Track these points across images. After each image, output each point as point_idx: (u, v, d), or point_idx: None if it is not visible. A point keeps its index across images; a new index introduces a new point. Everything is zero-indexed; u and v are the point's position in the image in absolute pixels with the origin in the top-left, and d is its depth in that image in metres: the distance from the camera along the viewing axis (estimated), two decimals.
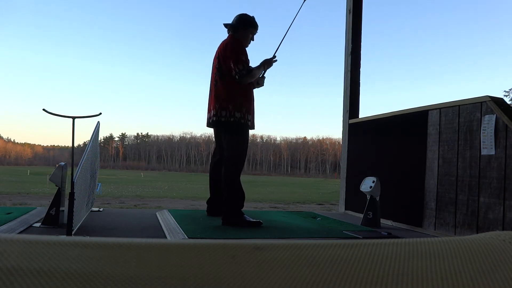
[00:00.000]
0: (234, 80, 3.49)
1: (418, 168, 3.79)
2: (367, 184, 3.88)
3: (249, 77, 3.52)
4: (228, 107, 3.48)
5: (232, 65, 3.47)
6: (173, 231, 3.05)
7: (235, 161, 3.56)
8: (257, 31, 3.76)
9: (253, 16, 3.72)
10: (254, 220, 3.44)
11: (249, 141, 3.79)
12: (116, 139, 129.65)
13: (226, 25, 3.71)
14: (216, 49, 3.74)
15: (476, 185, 3.20)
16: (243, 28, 3.65)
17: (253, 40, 3.74)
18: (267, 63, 3.69)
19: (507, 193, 2.94)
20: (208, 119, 3.67)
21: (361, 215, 3.97)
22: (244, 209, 3.57)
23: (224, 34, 3.78)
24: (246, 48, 3.66)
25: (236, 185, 3.51)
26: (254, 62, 3.65)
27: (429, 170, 3.68)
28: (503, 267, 0.38)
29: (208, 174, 3.96)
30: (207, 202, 3.97)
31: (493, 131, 3.07)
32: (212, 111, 3.57)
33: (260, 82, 3.74)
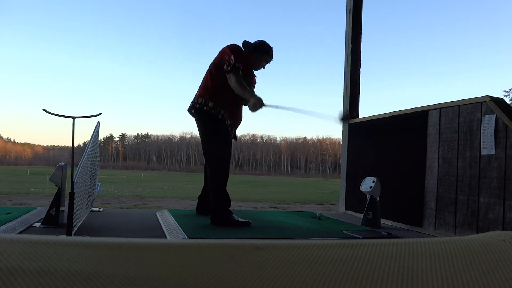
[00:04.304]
0: (222, 78, 3.47)
1: (418, 168, 3.79)
2: (367, 184, 3.88)
3: (238, 78, 3.40)
4: (205, 96, 3.50)
5: (226, 59, 3.47)
6: (173, 231, 3.05)
7: (213, 157, 3.50)
8: (270, 62, 3.82)
9: (272, 48, 3.80)
10: (243, 220, 3.43)
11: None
12: (116, 139, 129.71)
13: (246, 42, 3.74)
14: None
15: (476, 185, 3.20)
16: (260, 53, 3.71)
17: (263, 67, 3.79)
18: (258, 102, 3.37)
19: (507, 193, 2.94)
20: (190, 106, 3.67)
21: (361, 215, 3.97)
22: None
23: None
24: (255, 72, 3.77)
25: (221, 184, 3.46)
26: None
27: (429, 170, 3.68)
28: (503, 267, 0.38)
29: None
30: (197, 198, 4.02)
31: (493, 131, 3.07)
32: (193, 99, 3.61)
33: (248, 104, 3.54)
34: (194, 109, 3.55)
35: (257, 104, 3.37)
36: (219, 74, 3.51)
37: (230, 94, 3.47)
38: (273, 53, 3.83)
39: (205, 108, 3.47)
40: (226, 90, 3.48)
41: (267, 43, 3.80)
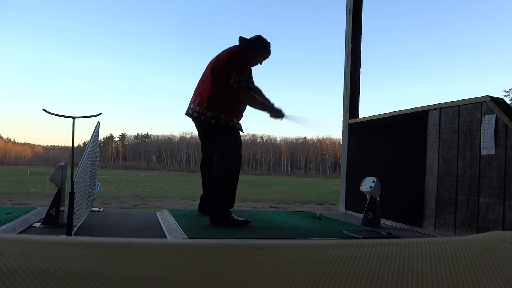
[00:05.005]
0: (231, 88, 3.41)
1: (418, 168, 3.79)
2: (367, 184, 3.88)
3: (249, 96, 3.48)
4: (217, 110, 3.42)
5: (234, 73, 3.40)
6: (173, 231, 3.05)
7: (228, 164, 3.51)
8: (268, 58, 3.76)
9: (269, 42, 3.73)
10: (242, 219, 3.44)
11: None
12: (116, 139, 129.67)
13: (242, 38, 3.68)
14: (221, 51, 3.70)
15: (476, 185, 3.20)
16: (257, 48, 3.64)
17: (260, 63, 3.72)
18: (276, 112, 3.66)
19: (507, 193, 2.94)
20: (192, 112, 3.57)
21: (361, 215, 3.97)
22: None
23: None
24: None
25: (230, 187, 3.48)
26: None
27: (429, 170, 3.68)
28: (503, 267, 0.38)
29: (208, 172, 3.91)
30: (200, 198, 4.01)
31: (493, 131, 3.07)
32: (197, 108, 3.51)
33: (272, 115, 3.68)
34: (208, 124, 3.45)
35: (277, 116, 3.66)
36: (226, 86, 3.42)
37: (238, 102, 3.49)
38: (271, 49, 3.75)
39: (222, 122, 3.43)
40: (234, 100, 3.46)
41: (263, 38, 3.71)
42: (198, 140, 3.91)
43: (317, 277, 0.35)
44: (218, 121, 3.43)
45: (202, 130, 3.67)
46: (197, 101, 3.56)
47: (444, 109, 3.55)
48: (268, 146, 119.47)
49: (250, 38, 3.71)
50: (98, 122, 3.42)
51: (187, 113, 3.69)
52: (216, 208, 3.41)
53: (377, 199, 3.81)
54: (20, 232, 2.81)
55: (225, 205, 3.44)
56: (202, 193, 4.00)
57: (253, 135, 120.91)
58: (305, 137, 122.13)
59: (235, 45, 3.67)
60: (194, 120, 3.63)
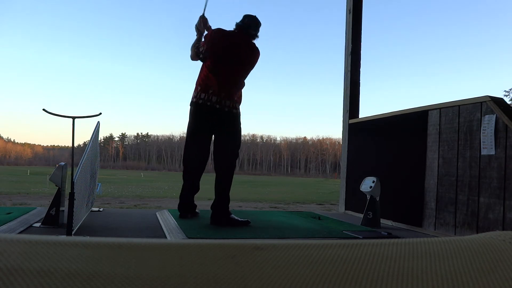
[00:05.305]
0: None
1: (418, 168, 3.79)
2: (367, 184, 3.88)
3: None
4: (236, 101, 3.57)
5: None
6: (173, 231, 3.05)
7: (237, 155, 3.68)
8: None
9: (250, 23, 3.69)
10: (242, 219, 3.46)
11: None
12: (116, 139, 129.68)
13: (243, 27, 3.64)
14: (241, 38, 3.63)
15: (476, 185, 3.20)
16: (255, 35, 3.71)
17: None
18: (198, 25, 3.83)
19: (507, 193, 2.94)
20: (221, 106, 3.46)
21: (361, 215, 3.97)
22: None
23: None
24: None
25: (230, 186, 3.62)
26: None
27: (429, 170, 3.68)
28: (503, 267, 0.38)
29: (202, 171, 3.72)
30: (182, 199, 3.73)
31: (493, 131, 3.07)
32: (228, 102, 3.48)
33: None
34: (231, 114, 3.50)
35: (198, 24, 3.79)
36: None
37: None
38: (259, 32, 3.73)
39: (239, 111, 3.58)
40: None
41: (257, 22, 3.69)
42: None
43: (317, 277, 0.35)
44: (239, 112, 3.61)
45: (227, 122, 3.52)
46: (230, 96, 3.51)
47: (444, 109, 3.55)
48: (268, 146, 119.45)
49: (245, 22, 3.66)
50: (98, 122, 3.42)
51: (211, 107, 3.46)
52: (222, 209, 3.42)
53: (377, 199, 3.81)
54: (20, 232, 2.81)
55: (228, 205, 3.47)
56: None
57: (253, 135, 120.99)
58: (305, 137, 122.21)
59: (254, 43, 3.69)
60: (220, 113, 3.47)
